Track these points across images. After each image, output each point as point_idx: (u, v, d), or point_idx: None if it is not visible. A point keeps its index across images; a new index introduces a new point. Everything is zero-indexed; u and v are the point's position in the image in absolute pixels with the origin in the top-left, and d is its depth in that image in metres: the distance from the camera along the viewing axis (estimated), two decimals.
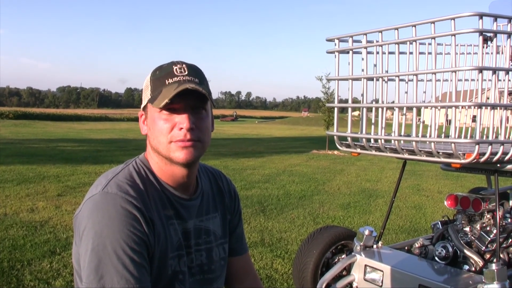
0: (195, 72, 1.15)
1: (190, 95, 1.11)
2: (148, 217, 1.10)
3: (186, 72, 1.13)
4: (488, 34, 2.25)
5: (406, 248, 3.44)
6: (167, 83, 1.12)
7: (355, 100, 2.86)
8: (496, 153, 2.36)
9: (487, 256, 2.95)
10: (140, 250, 1.06)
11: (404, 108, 2.64)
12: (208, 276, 1.27)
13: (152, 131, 1.16)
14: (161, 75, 1.14)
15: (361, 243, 3.10)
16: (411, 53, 2.47)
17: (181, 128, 1.11)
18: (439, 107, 2.45)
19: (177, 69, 1.13)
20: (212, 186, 1.36)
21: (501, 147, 2.37)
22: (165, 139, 1.13)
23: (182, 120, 1.11)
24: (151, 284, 1.10)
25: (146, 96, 1.17)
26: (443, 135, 2.57)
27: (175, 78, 1.12)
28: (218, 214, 1.34)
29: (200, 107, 1.15)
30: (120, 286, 1.01)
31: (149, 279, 1.08)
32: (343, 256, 3.31)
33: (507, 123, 2.65)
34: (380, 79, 2.63)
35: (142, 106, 1.20)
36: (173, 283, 1.17)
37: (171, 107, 1.11)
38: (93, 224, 1.05)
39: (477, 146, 2.28)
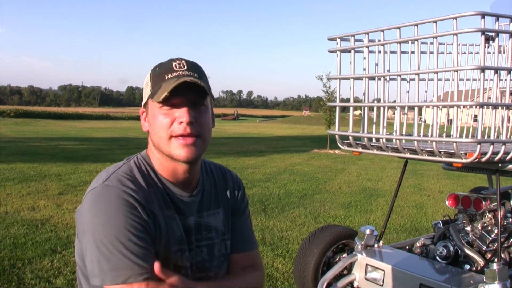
0: (194, 67, 1.17)
1: (190, 90, 1.12)
2: (149, 209, 1.12)
3: (185, 67, 1.15)
4: (490, 34, 2.25)
5: (407, 247, 3.44)
6: (166, 78, 1.13)
7: (356, 99, 2.86)
8: (497, 153, 2.36)
9: (488, 255, 2.95)
10: (143, 236, 1.08)
11: (406, 108, 2.65)
12: (210, 273, 1.27)
13: (152, 127, 1.17)
14: (160, 71, 1.16)
15: (362, 242, 3.10)
16: (413, 52, 2.46)
17: (181, 122, 1.12)
18: (440, 107, 2.44)
19: (176, 65, 1.15)
20: (216, 182, 1.35)
21: (503, 146, 2.36)
22: (165, 134, 1.14)
23: (181, 114, 1.13)
24: None
25: (146, 93, 1.19)
26: (444, 134, 2.57)
27: (174, 73, 1.13)
28: (221, 210, 1.33)
29: (199, 101, 1.16)
30: (135, 273, 1.03)
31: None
32: (344, 255, 3.32)
33: (509, 122, 2.65)
34: (382, 78, 2.63)
35: (143, 103, 1.21)
36: None
37: (171, 102, 1.13)
38: (95, 217, 1.07)
39: (478, 146, 2.28)
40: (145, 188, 1.15)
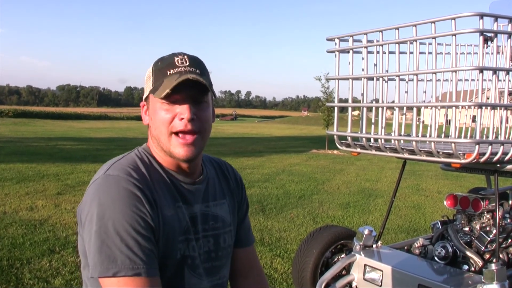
0: (196, 63, 1.16)
1: (191, 87, 1.11)
2: (152, 199, 1.10)
3: (188, 63, 1.14)
4: (489, 34, 2.25)
5: (405, 247, 3.44)
6: (168, 73, 1.12)
7: (355, 100, 2.86)
8: (496, 153, 2.37)
9: (487, 256, 2.95)
10: (145, 232, 1.05)
11: (404, 108, 2.64)
12: (216, 263, 1.26)
13: (153, 122, 1.17)
14: (162, 66, 1.15)
15: (361, 243, 3.10)
16: (411, 52, 2.47)
17: (182, 119, 1.12)
18: (439, 107, 2.45)
19: (179, 60, 1.14)
20: (218, 174, 1.36)
21: (501, 147, 2.37)
22: (166, 130, 1.14)
23: (183, 110, 1.12)
24: (160, 268, 1.09)
25: (148, 87, 1.18)
26: (443, 135, 2.57)
27: (176, 69, 1.13)
28: (226, 201, 1.34)
29: (201, 98, 1.15)
30: (125, 267, 1.01)
31: (157, 261, 1.08)
32: (342, 255, 3.31)
33: (507, 123, 2.65)
34: (380, 79, 2.63)
35: (144, 97, 1.21)
36: (183, 268, 1.17)
37: (172, 98, 1.12)
38: (96, 206, 1.05)
39: (477, 146, 2.28)
40: (148, 177, 1.13)
